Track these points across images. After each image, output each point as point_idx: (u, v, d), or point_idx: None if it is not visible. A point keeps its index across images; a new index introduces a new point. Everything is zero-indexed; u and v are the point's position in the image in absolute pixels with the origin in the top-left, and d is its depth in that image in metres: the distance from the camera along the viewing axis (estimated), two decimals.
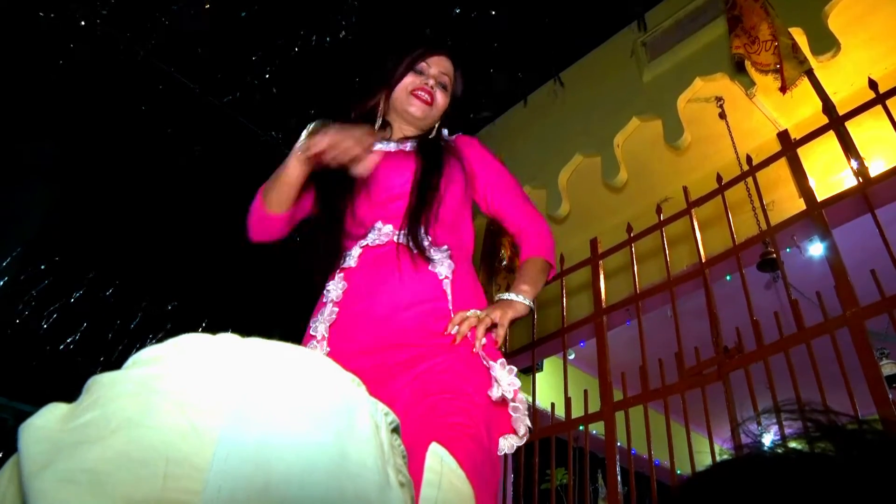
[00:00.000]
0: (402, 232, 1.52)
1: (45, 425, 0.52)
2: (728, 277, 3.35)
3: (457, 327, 1.39)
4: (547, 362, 5.38)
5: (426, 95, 1.74)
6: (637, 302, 3.15)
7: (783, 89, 2.92)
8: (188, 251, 5.96)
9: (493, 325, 1.45)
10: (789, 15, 3.15)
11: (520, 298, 1.53)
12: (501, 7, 4.01)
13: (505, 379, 1.36)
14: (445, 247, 1.52)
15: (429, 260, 1.49)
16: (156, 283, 6.96)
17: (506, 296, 1.54)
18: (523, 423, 1.37)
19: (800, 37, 3.13)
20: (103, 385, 0.55)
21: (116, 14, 3.90)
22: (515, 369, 1.40)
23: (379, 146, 1.68)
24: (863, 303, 2.32)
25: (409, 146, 1.73)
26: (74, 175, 5.07)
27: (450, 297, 1.46)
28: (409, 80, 1.75)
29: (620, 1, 4.07)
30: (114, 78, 4.24)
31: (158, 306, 7.37)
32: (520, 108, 4.72)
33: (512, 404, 1.37)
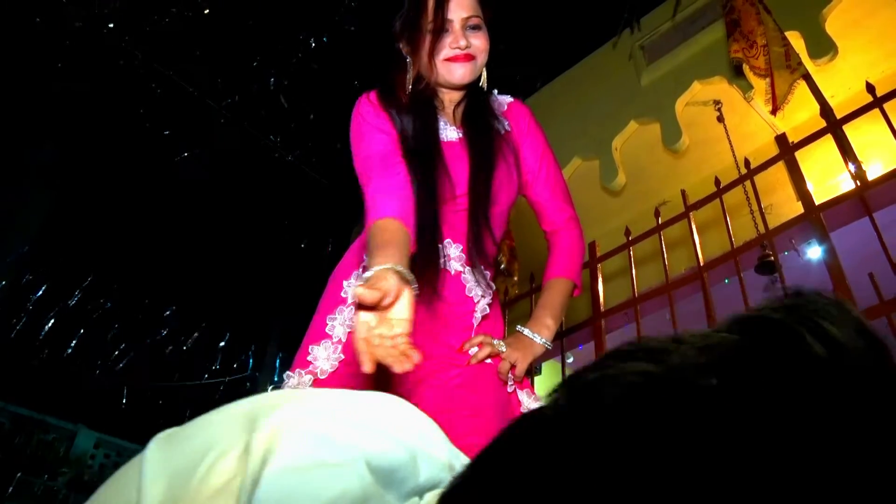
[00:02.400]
0: (450, 246, 1.44)
1: None
2: (726, 280, 3.35)
3: (476, 349, 1.36)
4: (545, 366, 5.37)
5: (464, 56, 1.50)
6: (635, 305, 3.15)
7: (774, 111, 2.94)
8: (186, 256, 5.95)
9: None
10: (787, 19, 3.16)
11: (541, 342, 1.45)
12: (498, 11, 4.01)
13: (533, 406, 1.33)
14: (481, 266, 1.44)
15: (464, 280, 1.43)
16: (154, 288, 6.94)
17: (527, 332, 1.45)
18: None
19: (797, 40, 3.14)
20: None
21: (115, 18, 3.90)
22: (536, 395, 1.40)
23: (443, 133, 1.53)
24: (861, 306, 2.32)
25: (458, 133, 1.54)
26: (74, 179, 5.06)
27: (476, 319, 1.42)
28: (438, 45, 1.49)
29: (618, 5, 4.08)
30: (113, 82, 4.24)
31: (156, 311, 7.36)
32: None
33: None
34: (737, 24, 3.21)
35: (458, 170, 1.46)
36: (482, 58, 1.54)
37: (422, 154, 1.45)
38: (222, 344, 7.84)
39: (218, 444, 0.75)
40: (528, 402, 1.36)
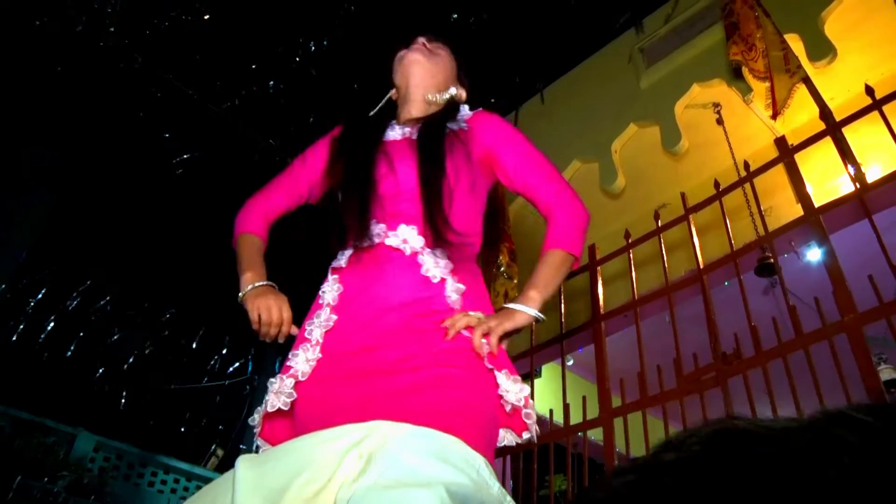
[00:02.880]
0: (393, 233, 1.44)
1: None
2: (726, 283, 3.35)
3: (456, 324, 1.31)
4: (545, 368, 5.37)
5: (420, 46, 1.68)
6: (635, 308, 3.15)
7: (774, 116, 2.95)
8: (186, 259, 5.95)
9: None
10: (786, 21, 3.17)
11: (524, 309, 1.40)
12: (498, 15, 4.02)
13: (513, 389, 1.30)
14: (440, 250, 1.43)
15: (421, 261, 1.41)
16: (154, 291, 6.94)
17: (511, 305, 1.41)
18: (533, 431, 1.32)
19: (796, 43, 3.14)
20: None
21: (115, 22, 3.90)
22: (518, 377, 1.34)
23: (388, 134, 1.62)
24: (861, 308, 2.32)
25: (412, 132, 1.60)
26: (74, 182, 5.06)
27: (448, 298, 1.38)
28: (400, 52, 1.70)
29: (617, 8, 4.09)
30: (113, 85, 4.24)
31: (156, 314, 7.36)
32: (515, 116, 4.72)
33: (525, 411, 1.31)
34: (736, 26, 3.22)
35: (404, 161, 1.52)
36: (440, 63, 1.70)
37: (357, 150, 1.57)
38: (222, 348, 7.84)
39: (309, 466, 0.86)
40: (507, 383, 1.30)
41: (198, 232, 5.44)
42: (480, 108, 1.70)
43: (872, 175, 2.73)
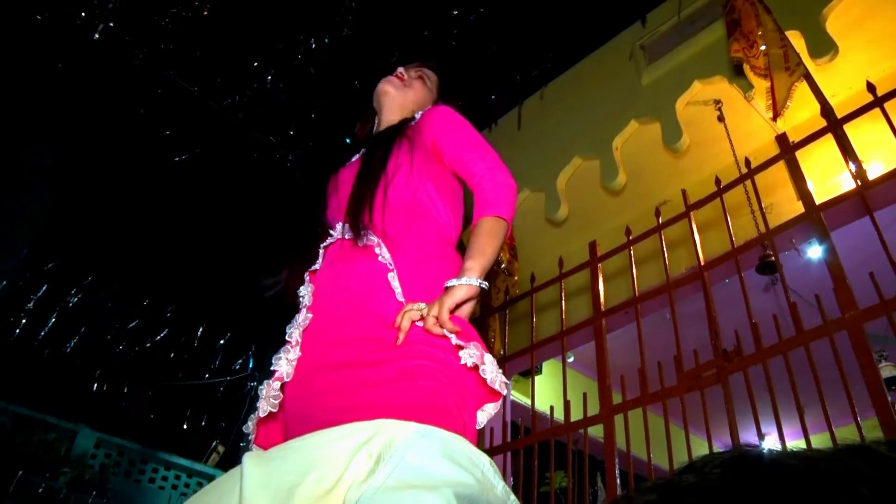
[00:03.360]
0: (345, 226, 1.52)
1: None
2: (727, 280, 3.35)
3: (402, 325, 1.31)
4: (546, 365, 5.38)
5: (395, 75, 1.83)
6: (636, 305, 3.15)
7: (775, 117, 2.95)
8: (187, 256, 5.95)
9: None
10: (787, 18, 3.16)
11: (463, 281, 1.38)
12: (500, 10, 4.02)
13: (474, 354, 1.28)
14: (389, 236, 1.47)
15: (374, 252, 1.44)
16: (154, 288, 6.95)
17: (449, 282, 1.40)
18: (499, 380, 1.30)
19: (798, 40, 3.14)
20: None
21: (116, 18, 3.90)
22: (478, 342, 1.32)
23: (354, 156, 1.79)
24: (861, 305, 2.32)
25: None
26: (74, 179, 5.06)
27: (397, 287, 1.39)
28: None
29: (618, 4, 4.08)
30: (113, 81, 4.24)
31: (157, 310, 7.37)
32: (518, 112, 4.72)
33: (481, 367, 1.29)
34: (737, 23, 3.21)
35: (353, 170, 1.68)
36: (411, 92, 1.83)
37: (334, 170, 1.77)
38: (222, 343, 7.84)
39: (318, 465, 0.87)
40: (471, 358, 1.27)
41: (199, 229, 5.44)
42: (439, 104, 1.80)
43: (874, 172, 2.73)
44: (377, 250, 1.45)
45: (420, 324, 1.31)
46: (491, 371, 1.30)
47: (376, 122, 1.85)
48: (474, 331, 1.38)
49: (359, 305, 1.39)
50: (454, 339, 1.29)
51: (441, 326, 1.30)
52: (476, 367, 1.30)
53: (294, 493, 0.82)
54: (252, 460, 0.89)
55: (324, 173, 1.85)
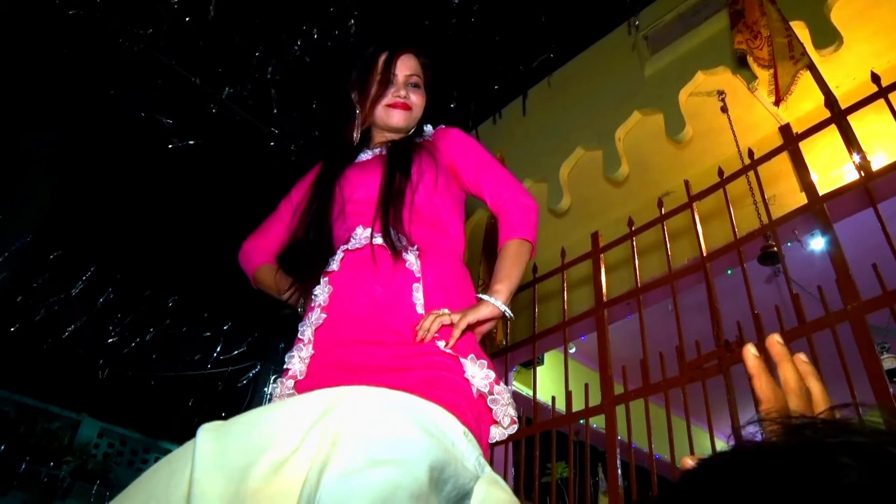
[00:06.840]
0: (376, 234, 1.52)
1: None
2: (729, 271, 3.35)
3: (429, 327, 1.36)
4: (548, 356, 5.39)
5: (402, 105, 1.76)
6: (638, 296, 3.15)
7: (777, 102, 2.93)
8: (190, 245, 5.95)
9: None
10: (792, 9, 3.14)
11: (490, 300, 1.47)
12: (500, 4, 4.00)
13: (478, 374, 1.33)
14: (416, 246, 1.51)
15: (403, 260, 1.47)
16: (156, 278, 6.96)
17: (480, 295, 1.50)
18: (506, 415, 1.36)
19: (802, 30, 3.12)
20: None
21: (117, 7, 3.89)
22: (486, 361, 1.36)
23: (360, 157, 1.77)
24: (864, 297, 2.32)
25: (383, 150, 1.76)
26: (76, 167, 5.06)
27: (419, 299, 1.43)
28: (382, 94, 1.76)
29: None
30: (114, 70, 4.23)
31: (160, 300, 7.38)
32: (521, 102, 4.71)
33: (490, 397, 1.35)
34: (741, 14, 3.19)
35: (375, 172, 1.66)
36: (417, 111, 1.80)
37: (337, 169, 1.73)
38: (224, 334, 7.87)
39: (274, 443, 0.78)
40: (474, 370, 1.33)
41: (200, 219, 5.44)
42: (441, 125, 1.86)
43: (877, 163, 2.72)
44: (407, 257, 1.48)
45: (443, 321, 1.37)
46: (494, 402, 1.37)
47: (380, 130, 1.83)
48: (476, 345, 1.44)
49: (382, 311, 1.41)
50: (446, 349, 1.34)
51: (453, 329, 1.36)
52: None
53: (248, 474, 0.74)
54: (206, 434, 0.80)
55: (326, 165, 1.80)
